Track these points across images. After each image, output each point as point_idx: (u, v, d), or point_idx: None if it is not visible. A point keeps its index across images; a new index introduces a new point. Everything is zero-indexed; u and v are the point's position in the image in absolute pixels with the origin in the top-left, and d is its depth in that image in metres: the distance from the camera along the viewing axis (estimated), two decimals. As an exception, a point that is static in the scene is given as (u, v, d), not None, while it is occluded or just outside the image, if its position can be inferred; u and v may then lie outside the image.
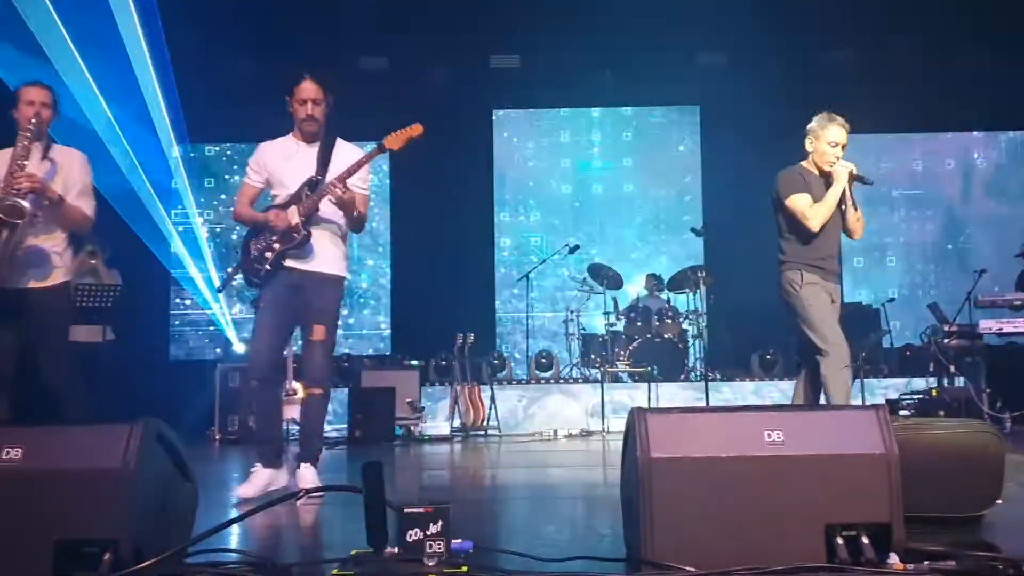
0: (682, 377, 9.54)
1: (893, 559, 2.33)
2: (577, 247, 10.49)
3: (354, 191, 4.38)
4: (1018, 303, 7.91)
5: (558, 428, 8.94)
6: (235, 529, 3.38)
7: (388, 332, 11.70)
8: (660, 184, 11.99)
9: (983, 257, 10.79)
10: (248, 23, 10.38)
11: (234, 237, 10.59)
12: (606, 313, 10.01)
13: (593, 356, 9.76)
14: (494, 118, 12.11)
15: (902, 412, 7.89)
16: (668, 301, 10.17)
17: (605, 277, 10.23)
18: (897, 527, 2.36)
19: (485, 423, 8.59)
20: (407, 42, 11.00)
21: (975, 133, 11.93)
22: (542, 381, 9.86)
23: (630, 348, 9.52)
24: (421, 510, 2.48)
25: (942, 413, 7.49)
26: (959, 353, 8.16)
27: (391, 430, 8.05)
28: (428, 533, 2.47)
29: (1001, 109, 11.08)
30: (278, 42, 10.27)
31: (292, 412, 8.13)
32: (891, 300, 9.67)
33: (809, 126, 5.08)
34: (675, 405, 8.45)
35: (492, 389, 8.84)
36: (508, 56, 11.67)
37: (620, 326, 9.88)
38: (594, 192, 12.04)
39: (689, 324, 9.79)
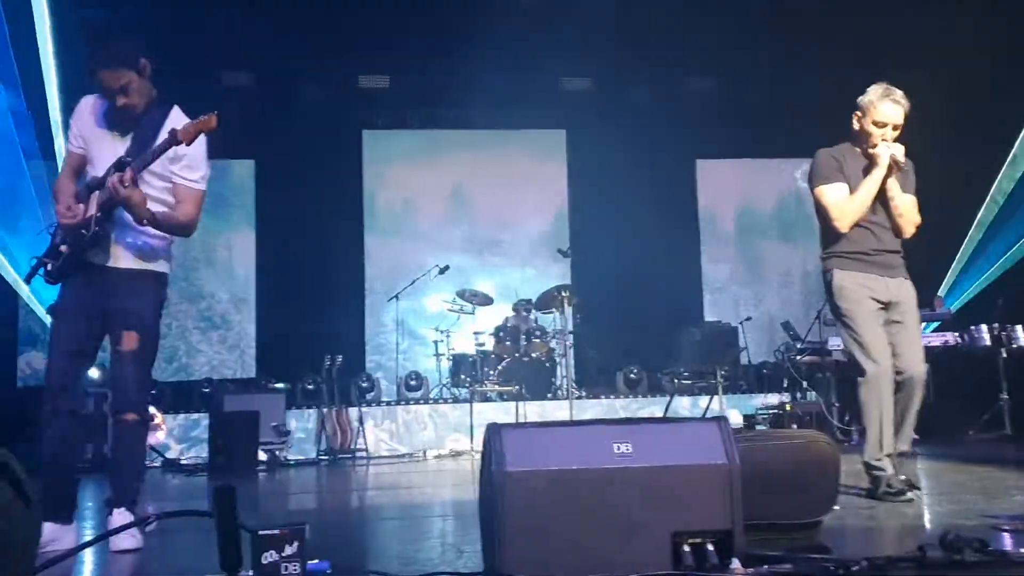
0: (549, 395, 9.67)
1: (735, 565, 2.43)
2: (447, 268, 10.53)
3: (176, 186, 3.64)
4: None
5: (427, 449, 8.92)
6: (85, 557, 3.26)
7: (253, 355, 11.44)
8: (528, 205, 12.18)
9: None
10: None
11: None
12: (476, 333, 10.08)
13: (463, 376, 9.80)
14: (364, 138, 12.07)
15: (758, 426, 8.22)
16: (536, 321, 10.31)
17: (474, 298, 10.31)
18: (738, 534, 2.46)
19: (353, 446, 8.49)
20: (273, 58, 10.83)
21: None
22: (411, 402, 9.84)
23: (499, 368, 9.60)
24: (276, 532, 2.47)
25: (794, 426, 7.83)
26: (810, 369, 8.56)
27: (255, 455, 7.86)
28: (283, 555, 2.45)
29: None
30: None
31: (151, 439, 7.89)
32: (748, 319, 10.07)
33: (860, 99, 4.30)
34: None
35: (360, 411, 8.75)
36: (377, 76, 11.66)
37: (489, 346, 9.96)
38: (463, 213, 12.12)
39: (556, 343, 9.95)
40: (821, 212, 4.34)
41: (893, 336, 4.23)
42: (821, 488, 3.09)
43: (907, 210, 4.28)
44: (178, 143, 3.51)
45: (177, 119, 3.64)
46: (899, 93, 4.22)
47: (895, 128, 4.23)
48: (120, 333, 3.57)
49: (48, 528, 3.32)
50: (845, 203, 4.22)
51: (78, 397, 3.66)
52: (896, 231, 4.29)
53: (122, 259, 3.64)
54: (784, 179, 12.53)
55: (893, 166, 4.18)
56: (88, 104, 3.75)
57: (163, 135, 3.57)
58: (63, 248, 3.63)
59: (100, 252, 3.61)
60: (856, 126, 4.31)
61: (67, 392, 3.59)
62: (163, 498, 6.04)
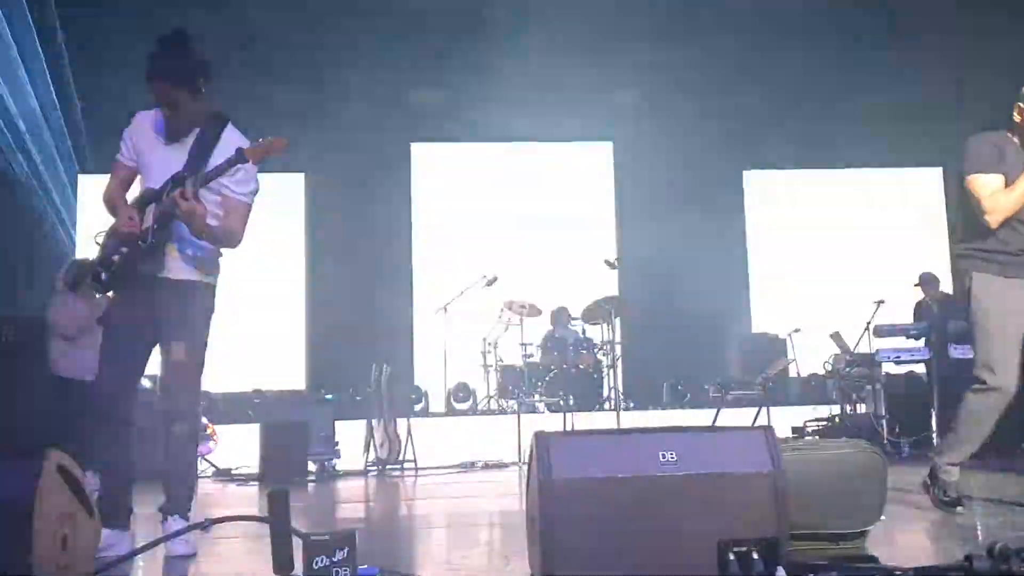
0: (597, 407, 9.67)
1: (781, 573, 2.44)
2: (495, 279, 10.56)
3: (225, 198, 3.70)
4: (914, 332, 8.23)
5: (475, 459, 8.96)
6: (140, 562, 3.35)
7: (303, 365, 11.61)
8: (576, 217, 12.22)
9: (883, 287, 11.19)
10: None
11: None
12: (523, 345, 10.09)
13: (510, 388, 9.82)
14: (412, 151, 12.21)
15: (806, 438, 8.14)
16: (583, 332, 10.31)
17: (523, 309, 10.33)
18: (784, 542, 2.47)
19: (402, 456, 8.54)
20: (323, 73, 11.02)
21: (880, 168, 12.39)
22: (459, 413, 9.88)
23: (546, 379, 9.61)
24: (327, 537, 2.52)
25: (843, 438, 7.73)
26: (860, 381, 8.46)
27: (304, 466, 7.95)
28: (334, 560, 2.50)
29: (902, 145, 11.53)
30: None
31: (202, 449, 8.04)
32: (797, 330, 9.97)
33: (1022, 90, 3.93)
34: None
35: (409, 422, 8.81)
36: (426, 90, 11.80)
37: (537, 358, 9.98)
38: (511, 224, 12.18)
39: (603, 355, 9.94)
40: (971, 202, 3.99)
41: None
42: (868, 498, 3.07)
43: None
44: (244, 162, 3.57)
45: (231, 136, 3.71)
46: None
47: None
48: (170, 344, 3.62)
49: (105, 533, 3.28)
50: (1001, 196, 3.89)
51: (132, 406, 3.68)
52: None
53: (177, 270, 3.70)
54: (832, 190, 12.42)
55: None
56: (144, 118, 3.81)
57: (219, 150, 3.65)
58: (115, 258, 3.69)
59: (154, 263, 3.66)
60: (1017, 119, 3.98)
61: (118, 401, 3.62)
62: (215, 507, 6.15)
